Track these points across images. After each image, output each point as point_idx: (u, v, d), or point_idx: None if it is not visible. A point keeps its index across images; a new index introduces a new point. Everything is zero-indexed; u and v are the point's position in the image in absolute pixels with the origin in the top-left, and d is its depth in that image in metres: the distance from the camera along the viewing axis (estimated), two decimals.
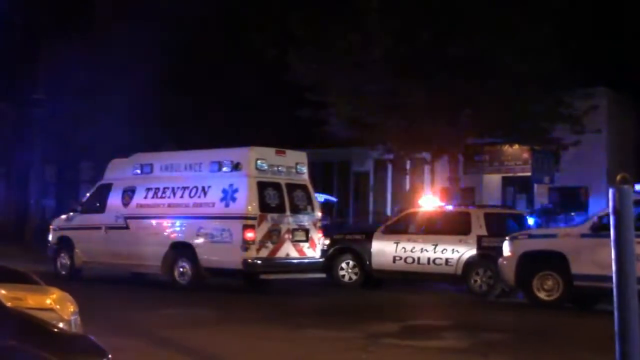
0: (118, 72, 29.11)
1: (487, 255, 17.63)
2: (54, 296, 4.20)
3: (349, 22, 21.95)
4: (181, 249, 16.44)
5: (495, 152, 27.12)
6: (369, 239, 19.10)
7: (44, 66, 31.47)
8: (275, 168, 16.56)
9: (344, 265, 19.03)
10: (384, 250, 18.65)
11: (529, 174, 25.49)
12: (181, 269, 16.49)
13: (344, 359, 9.22)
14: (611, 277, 13.74)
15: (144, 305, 13.88)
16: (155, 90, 28.50)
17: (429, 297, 17.77)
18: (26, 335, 3.89)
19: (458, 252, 17.92)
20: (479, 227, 17.94)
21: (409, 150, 24.72)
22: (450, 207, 19.89)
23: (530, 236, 16.05)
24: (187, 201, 16.63)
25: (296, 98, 23.74)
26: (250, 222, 15.65)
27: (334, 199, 26.88)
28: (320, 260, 17.19)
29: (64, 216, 19.79)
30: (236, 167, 16.28)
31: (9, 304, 3.93)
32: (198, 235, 16.29)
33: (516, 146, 26.06)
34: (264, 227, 15.85)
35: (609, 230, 14.30)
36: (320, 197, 24.57)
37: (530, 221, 19.24)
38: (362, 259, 18.89)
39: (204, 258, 16.13)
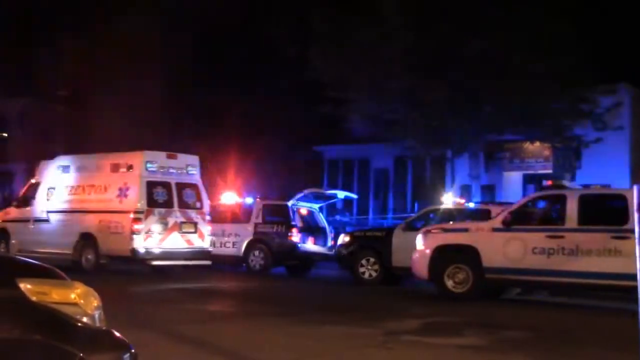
0: (139, 69, 29.26)
1: None
2: (78, 291, 4.24)
3: (369, 19, 21.94)
4: (87, 239, 18.94)
5: (516, 150, 27.02)
6: (389, 235, 19.10)
7: (68, 62, 31.64)
8: (166, 169, 18.89)
9: (364, 262, 19.05)
10: (405, 247, 18.62)
11: (550, 171, 25.40)
12: (88, 256, 18.90)
13: (363, 356, 9.23)
14: (521, 270, 13.91)
15: (161, 299, 13.97)
16: (177, 88, 28.64)
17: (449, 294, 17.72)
18: (51, 330, 3.94)
19: None
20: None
21: (430, 147, 24.68)
22: (470, 205, 19.85)
23: (444, 230, 16.27)
24: (92, 197, 19.23)
25: (316, 95, 23.77)
26: (138, 215, 18.16)
27: (354, 196, 26.87)
28: (208, 249, 19.35)
29: (3, 211, 22.46)
30: (129, 168, 18.69)
31: (34, 299, 3.98)
32: (99, 227, 18.82)
33: (537, 143, 25.97)
34: (151, 220, 18.32)
35: (519, 224, 14.69)
36: (341, 194, 24.61)
37: None
38: (382, 255, 18.89)
39: (103, 247, 18.66)
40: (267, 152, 29.67)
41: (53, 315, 4.02)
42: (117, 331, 4.39)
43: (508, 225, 15.03)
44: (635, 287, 14.26)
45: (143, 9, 29.19)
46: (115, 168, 18.94)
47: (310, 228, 22.34)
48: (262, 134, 29.30)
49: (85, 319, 4.18)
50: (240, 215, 22.09)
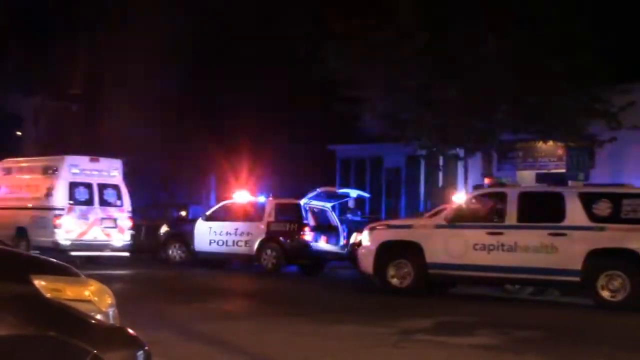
0: (152, 67, 29.34)
1: None
2: (92, 288, 4.25)
3: (383, 17, 21.91)
4: (21, 232, 20.85)
5: (529, 149, 26.91)
6: None
7: (81, 61, 31.77)
8: (88, 172, 21.07)
9: None
10: None
11: (563, 170, 25.28)
12: (21, 247, 19.59)
13: (376, 355, 9.23)
14: (462, 266, 13.78)
15: (181, 298, 14.00)
16: (190, 86, 28.70)
17: (462, 294, 17.69)
18: (65, 326, 3.95)
19: None
20: None
21: (443, 146, 24.62)
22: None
23: (389, 227, 16.69)
24: (27, 196, 21.39)
25: (330, 94, 23.76)
26: (59, 212, 20.42)
27: (366, 194, 26.85)
28: (127, 242, 21.39)
29: None
30: (55, 171, 20.85)
31: (48, 295, 3.99)
32: (30, 222, 20.93)
33: (550, 142, 25.85)
34: (72, 216, 20.52)
35: (461, 221, 13.68)
36: (353, 193, 24.59)
37: None
38: None
39: (33, 239, 20.60)
40: (280, 151, 29.68)
41: (67, 312, 4.03)
42: (130, 329, 4.40)
43: (450, 222, 15.42)
44: (570, 282, 14.64)
45: (157, 8, 29.26)
46: (44, 170, 21.25)
47: (323, 227, 22.32)
48: (275, 133, 29.31)
49: (99, 316, 4.19)
50: (253, 214, 22.09)
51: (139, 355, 4.24)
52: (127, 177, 22.46)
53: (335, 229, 22.62)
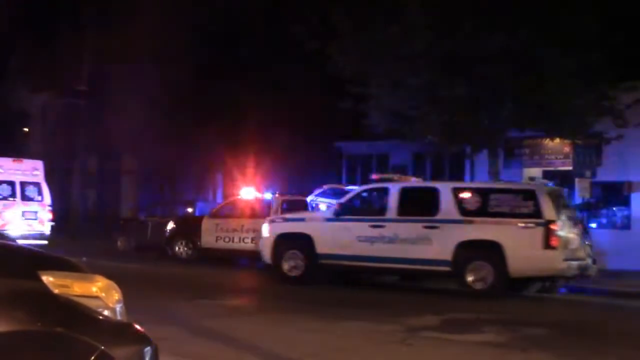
0: (159, 63, 29.35)
1: None
2: (100, 284, 4.25)
3: (390, 14, 21.85)
4: None
5: (536, 146, 26.84)
6: None
7: (88, 57, 31.81)
8: (12, 171, 23.47)
9: None
10: None
11: (570, 168, 25.19)
12: None
13: (383, 351, 9.22)
14: (349, 256, 14.77)
15: (187, 294, 14.01)
16: (197, 83, 28.71)
17: (469, 291, 17.66)
18: (73, 322, 3.95)
19: None
20: None
21: (449, 143, 24.57)
22: None
23: (285, 220, 17.76)
24: None
25: (337, 91, 23.72)
26: None
27: None
28: (45, 232, 23.60)
29: None
30: None
31: (56, 291, 3.99)
32: None
33: (557, 140, 25.76)
34: None
35: (348, 215, 15.35)
36: None
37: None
38: None
39: None
40: (287, 148, 29.68)
41: (75, 308, 4.03)
42: (138, 325, 4.40)
43: (338, 215, 16.50)
44: (442, 272, 15.58)
45: (164, 4, 29.27)
46: None
47: None
48: (282, 130, 29.30)
49: (106, 312, 4.20)
50: (259, 211, 22.08)
51: (146, 352, 4.24)
52: (134, 173, 22.45)
53: None
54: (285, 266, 17.02)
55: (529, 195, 15.21)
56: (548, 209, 14.93)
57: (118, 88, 31.82)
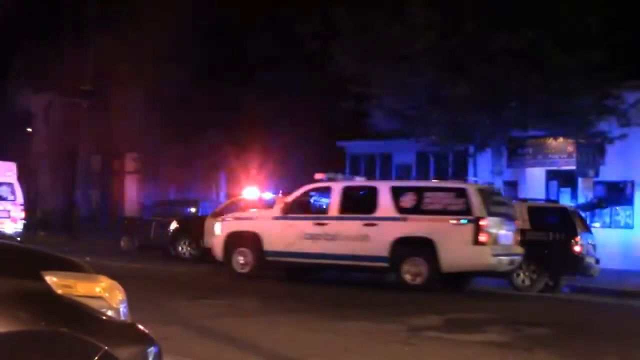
0: (163, 63, 29.36)
1: (530, 249, 17.51)
2: (103, 284, 4.26)
3: (392, 14, 21.85)
4: None
5: (539, 145, 26.83)
6: None
7: (92, 57, 31.83)
8: None
9: None
10: None
11: (573, 167, 25.20)
12: None
13: (386, 351, 9.22)
14: (294, 253, 15.60)
15: (191, 294, 14.02)
16: (200, 83, 28.71)
17: (472, 291, 17.68)
18: (76, 323, 3.95)
19: None
20: (522, 221, 17.83)
21: (452, 143, 24.57)
22: None
23: (235, 218, 18.41)
24: None
25: (340, 90, 23.73)
26: None
27: None
28: (19, 230, 24.66)
29: None
30: None
31: (59, 291, 4.00)
32: None
33: (560, 139, 25.76)
34: None
35: (294, 213, 15.95)
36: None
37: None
38: None
39: None
40: (290, 147, 29.68)
41: (78, 309, 4.03)
42: (141, 325, 4.40)
43: (285, 213, 17.11)
44: (380, 268, 16.17)
45: (168, 5, 29.28)
46: None
47: None
48: (285, 129, 29.30)
49: (110, 313, 4.19)
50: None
51: (149, 352, 4.24)
52: (137, 173, 22.50)
53: None
54: (235, 263, 17.72)
55: (460, 193, 15.76)
56: (478, 207, 15.43)
57: (121, 88, 31.85)
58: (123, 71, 31.58)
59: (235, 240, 17.62)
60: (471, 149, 25.00)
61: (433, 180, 17.14)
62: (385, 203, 16.23)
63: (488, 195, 16.16)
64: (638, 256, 24.14)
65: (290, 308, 12.71)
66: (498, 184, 23.80)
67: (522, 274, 17.68)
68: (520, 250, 16.64)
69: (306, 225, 16.81)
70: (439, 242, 15.42)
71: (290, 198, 17.71)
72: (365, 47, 22.52)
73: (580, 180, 25.55)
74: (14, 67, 44.41)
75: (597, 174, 25.19)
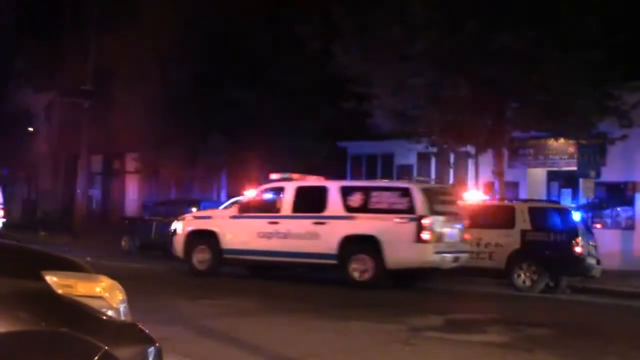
0: (163, 63, 29.36)
1: (531, 249, 17.53)
2: (104, 284, 4.26)
3: (393, 14, 21.84)
4: None
5: (540, 146, 26.80)
6: None
7: (92, 57, 31.86)
8: None
9: None
10: None
11: (574, 168, 25.15)
12: None
13: (386, 351, 9.22)
14: (249, 251, 16.32)
15: (191, 295, 14.02)
16: (199, 82, 28.70)
17: (473, 291, 17.69)
18: (76, 323, 3.96)
19: (502, 246, 17.81)
20: (523, 222, 17.84)
21: (453, 144, 24.55)
22: (494, 201, 19.78)
23: (195, 217, 19.21)
24: None
25: (340, 90, 23.72)
26: None
27: None
28: None
29: None
30: None
31: (59, 291, 4.00)
32: None
33: (561, 140, 25.72)
34: None
35: (250, 212, 16.67)
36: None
37: (577, 216, 19.01)
38: None
39: None
40: (291, 147, 29.66)
41: (78, 309, 4.04)
42: (141, 325, 4.40)
43: (241, 213, 17.78)
44: (329, 265, 16.61)
45: (168, 4, 29.27)
46: None
47: None
48: (286, 130, 29.29)
49: (110, 312, 4.20)
50: None
51: (150, 352, 4.24)
52: (138, 173, 22.53)
53: None
54: (195, 260, 18.22)
55: (405, 192, 16.23)
56: (421, 206, 15.92)
57: (122, 88, 31.84)
58: (124, 71, 31.56)
59: (194, 238, 18.16)
60: (472, 150, 24.98)
61: (384, 180, 17.28)
62: (334, 202, 16.76)
63: (433, 194, 16.61)
64: (639, 257, 24.12)
65: (290, 308, 12.71)
66: (499, 184, 23.80)
67: (522, 274, 17.68)
68: (467, 247, 17.04)
69: (260, 224, 17.36)
70: (383, 240, 15.93)
71: (246, 198, 18.49)
72: (366, 47, 22.51)
73: (581, 181, 25.51)
74: (15, 66, 44.40)
75: (598, 175, 25.15)
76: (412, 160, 30.90)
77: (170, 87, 28.62)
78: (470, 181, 26.54)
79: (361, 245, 16.28)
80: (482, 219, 18.70)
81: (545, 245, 17.54)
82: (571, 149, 25.67)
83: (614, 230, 25.37)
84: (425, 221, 15.74)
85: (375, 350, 9.29)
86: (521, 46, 20.50)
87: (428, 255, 15.87)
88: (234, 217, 17.97)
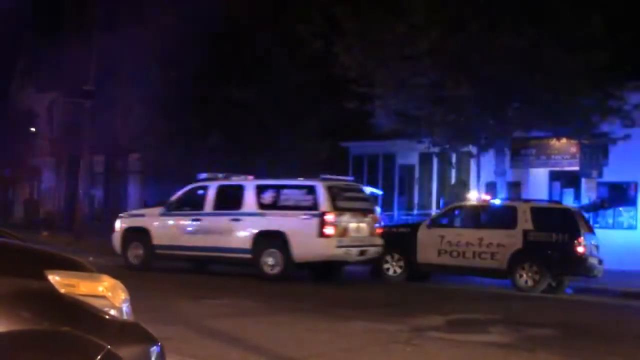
0: (165, 63, 29.36)
1: (533, 249, 17.52)
2: (106, 284, 4.26)
3: (395, 14, 21.84)
4: None
5: (542, 146, 26.78)
6: (414, 232, 19.07)
7: (94, 57, 31.85)
8: None
9: (388, 258, 19.01)
10: (430, 243, 18.62)
11: (576, 168, 25.14)
12: None
13: (388, 351, 9.22)
14: (177, 246, 18.01)
15: (192, 294, 14.03)
16: (201, 82, 28.70)
17: (475, 291, 17.69)
18: (79, 322, 3.96)
19: (504, 246, 17.81)
20: (524, 222, 17.83)
21: (455, 144, 24.54)
22: (496, 201, 19.78)
23: (130, 216, 20.58)
24: None
25: (342, 90, 23.72)
26: None
27: (379, 192, 26.80)
28: None
29: None
30: None
31: (62, 291, 4.01)
32: None
33: (564, 140, 25.70)
34: None
35: (178, 210, 18.04)
36: (366, 190, 24.55)
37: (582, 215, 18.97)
38: (407, 252, 18.86)
39: None
40: (293, 147, 29.67)
41: (81, 308, 4.04)
42: (144, 324, 4.41)
43: (169, 211, 18.91)
44: (245, 259, 17.58)
45: (170, 4, 29.26)
46: None
47: None
48: (288, 130, 29.29)
49: (113, 312, 4.20)
50: None
51: (152, 351, 4.25)
52: (140, 173, 22.65)
53: None
54: (129, 255, 19.23)
55: (310, 190, 17.21)
56: (324, 202, 16.90)
57: (124, 88, 31.84)
58: (125, 71, 31.57)
59: (130, 235, 19.31)
60: (474, 150, 24.97)
61: (299, 179, 18.22)
62: (249, 200, 17.87)
63: (339, 191, 17.51)
64: None
65: (291, 308, 12.71)
66: (501, 184, 23.79)
67: (524, 275, 17.67)
68: (378, 241, 17.97)
69: (186, 221, 18.60)
70: (290, 235, 16.99)
71: (175, 196, 19.40)
72: (369, 47, 22.50)
73: (583, 181, 25.49)
74: (17, 67, 44.45)
75: (600, 175, 25.15)
76: (414, 160, 30.89)
77: (171, 87, 28.61)
78: (473, 181, 26.53)
79: (272, 240, 17.31)
80: (484, 219, 18.72)
81: (547, 245, 17.53)
82: (573, 149, 25.65)
83: (616, 230, 25.35)
84: (327, 217, 16.76)
85: (376, 350, 9.29)
86: (523, 46, 20.49)
87: (331, 249, 16.85)
88: (163, 215, 19.10)
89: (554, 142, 26.32)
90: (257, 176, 20.22)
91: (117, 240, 19.65)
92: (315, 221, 16.83)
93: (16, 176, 45.43)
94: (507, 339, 10.30)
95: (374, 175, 31.79)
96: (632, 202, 25.58)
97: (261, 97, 28.38)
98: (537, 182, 27.47)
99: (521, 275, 17.66)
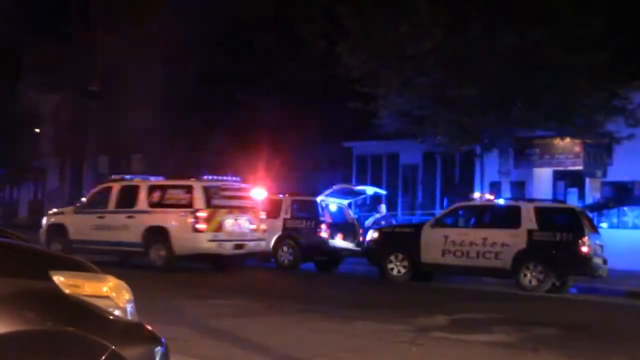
0: (168, 64, 29.41)
1: (537, 249, 17.50)
2: (110, 284, 4.28)
3: (398, 13, 21.83)
4: None
5: (546, 146, 26.75)
6: (418, 232, 19.06)
7: (100, 58, 31.91)
8: None
9: (392, 258, 19.01)
10: (434, 243, 18.60)
11: (580, 167, 25.12)
12: None
13: (392, 351, 9.23)
14: (88, 241, 19.18)
15: (193, 294, 14.05)
16: (204, 82, 28.75)
17: (479, 291, 17.68)
18: (83, 322, 3.97)
19: (508, 246, 17.80)
20: (529, 221, 17.81)
21: (459, 143, 24.52)
22: (500, 201, 19.77)
23: (54, 213, 21.72)
24: None
25: (346, 91, 23.72)
26: None
27: (382, 191, 26.79)
28: None
29: None
30: None
31: (67, 291, 4.02)
32: None
33: (567, 139, 25.67)
34: None
35: (89, 208, 19.52)
36: (370, 190, 24.55)
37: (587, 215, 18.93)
38: (411, 252, 18.86)
39: None
40: (296, 148, 29.69)
41: (85, 308, 4.05)
42: (148, 325, 4.42)
43: (81, 209, 20.67)
44: (137, 252, 19.19)
45: (175, 4, 29.30)
46: None
47: (339, 224, 22.28)
48: (292, 130, 29.31)
49: (117, 312, 4.21)
50: (269, 211, 22.06)
51: (157, 351, 4.26)
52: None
53: (352, 225, 22.59)
54: (52, 250, 20.07)
55: (188, 189, 18.92)
56: (198, 201, 18.57)
57: (129, 89, 31.89)
58: (130, 72, 31.62)
59: (52, 231, 20.90)
60: (478, 150, 24.96)
61: (191, 180, 19.64)
62: (142, 199, 19.47)
63: (215, 190, 19.07)
64: None
65: (295, 308, 12.72)
66: (505, 184, 23.77)
67: (529, 274, 17.66)
68: (258, 236, 19.50)
69: (94, 218, 20.14)
70: (171, 231, 18.63)
71: (88, 195, 21.39)
72: (373, 47, 22.50)
73: (587, 180, 25.46)
74: (22, 67, 44.48)
75: (604, 174, 25.11)
76: (418, 160, 30.89)
77: (177, 88, 28.67)
78: (476, 180, 26.51)
79: (157, 235, 18.83)
80: (488, 218, 18.72)
81: (552, 244, 17.51)
82: (577, 149, 25.63)
83: (620, 230, 25.31)
84: (200, 214, 18.42)
85: (381, 350, 9.29)
86: (526, 46, 20.47)
87: (203, 243, 18.46)
88: (76, 212, 20.81)
89: (557, 141, 26.29)
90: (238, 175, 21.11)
91: (42, 235, 21.04)
92: (190, 217, 18.47)
93: (20, 177, 45.46)
94: (511, 339, 10.29)
95: (378, 175, 31.80)
96: (636, 202, 25.53)
97: (264, 98, 28.40)
98: (541, 182, 27.44)
99: (525, 275, 17.64)
